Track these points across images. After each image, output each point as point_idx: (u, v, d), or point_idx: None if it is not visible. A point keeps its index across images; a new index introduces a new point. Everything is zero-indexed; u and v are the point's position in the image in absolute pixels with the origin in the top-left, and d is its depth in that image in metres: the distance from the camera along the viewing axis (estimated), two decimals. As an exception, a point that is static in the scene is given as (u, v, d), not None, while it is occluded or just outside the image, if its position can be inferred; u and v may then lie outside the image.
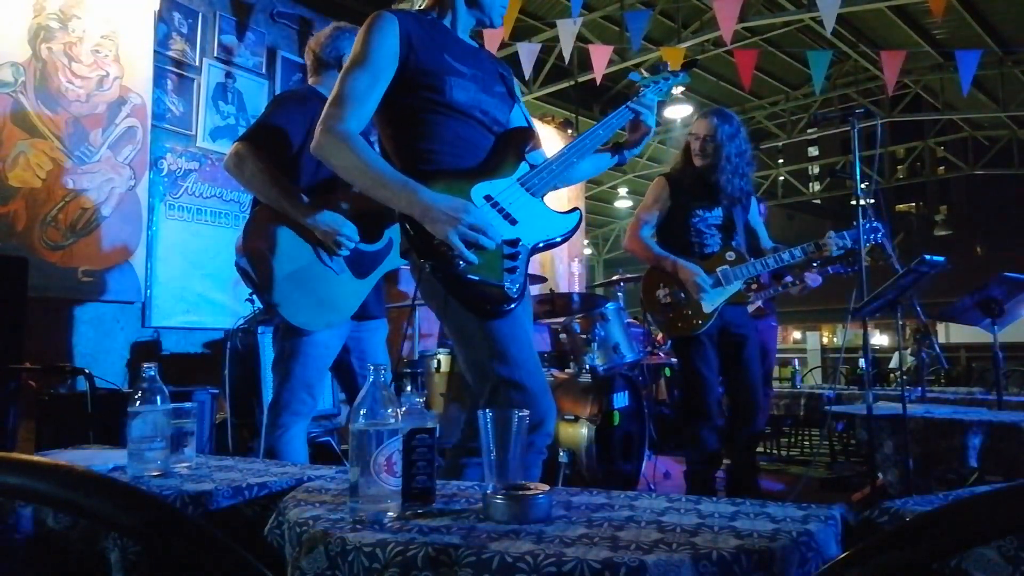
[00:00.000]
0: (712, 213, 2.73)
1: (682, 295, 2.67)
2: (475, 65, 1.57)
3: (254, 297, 2.02)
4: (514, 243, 1.45)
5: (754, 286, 2.87)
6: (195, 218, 3.90)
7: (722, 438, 2.68)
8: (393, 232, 2.03)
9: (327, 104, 1.45)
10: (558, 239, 1.55)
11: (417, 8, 1.66)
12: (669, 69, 1.86)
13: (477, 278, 1.39)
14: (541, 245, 1.51)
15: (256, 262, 1.88)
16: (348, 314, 1.98)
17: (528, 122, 1.73)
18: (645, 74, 1.82)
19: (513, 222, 1.48)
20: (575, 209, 1.61)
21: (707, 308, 2.63)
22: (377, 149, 1.59)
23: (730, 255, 2.69)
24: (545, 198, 1.57)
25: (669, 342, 3.90)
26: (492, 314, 1.41)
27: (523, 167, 1.56)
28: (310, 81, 2.15)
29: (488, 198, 1.47)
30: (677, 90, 6.84)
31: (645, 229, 2.77)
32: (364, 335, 2.13)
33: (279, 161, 1.91)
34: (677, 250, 2.71)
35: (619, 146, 1.80)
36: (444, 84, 1.49)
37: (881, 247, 2.75)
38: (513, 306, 1.42)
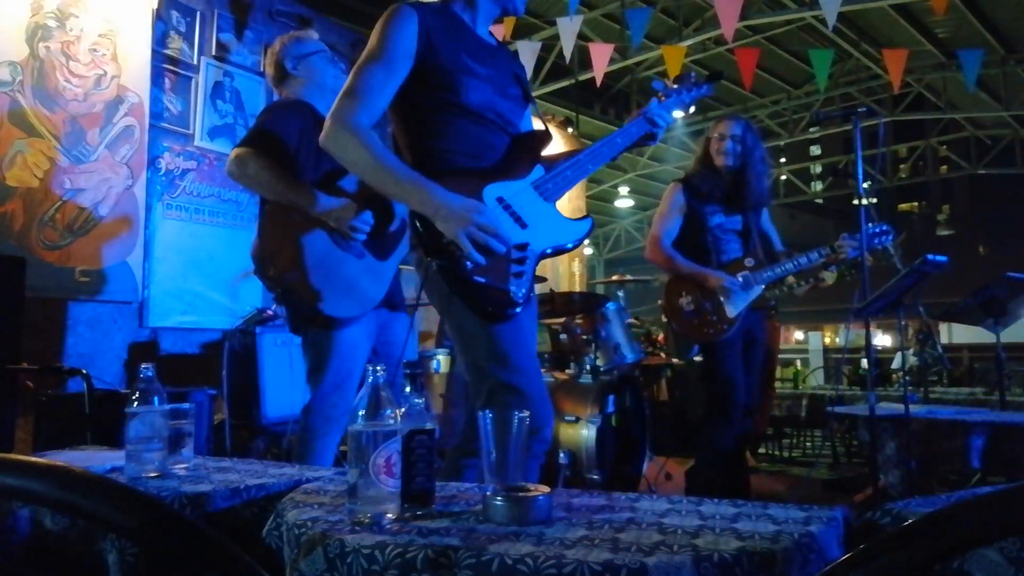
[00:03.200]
0: (731, 219, 2.74)
1: (706, 303, 2.67)
2: (492, 65, 1.55)
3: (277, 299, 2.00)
4: (523, 247, 1.44)
5: (777, 289, 2.87)
6: (193, 217, 3.89)
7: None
8: (403, 211, 2.01)
9: (339, 96, 1.43)
10: (568, 246, 1.53)
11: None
12: (694, 80, 1.80)
13: (483, 280, 1.37)
14: (550, 251, 1.50)
15: (275, 261, 1.86)
16: (377, 298, 1.97)
17: (544, 124, 1.72)
18: (670, 83, 1.77)
19: (524, 226, 1.46)
20: (587, 216, 1.60)
21: (731, 313, 2.64)
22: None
23: (749, 261, 2.70)
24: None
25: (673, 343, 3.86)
26: (496, 317, 1.40)
27: (537, 170, 1.54)
28: (283, 93, 2.15)
29: (500, 200, 1.45)
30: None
31: (666, 239, 2.76)
32: (390, 338, 2.12)
33: (279, 162, 1.91)
34: (695, 256, 2.72)
35: None
36: (459, 84, 1.47)
37: (884, 248, 2.75)
38: (518, 311, 1.41)
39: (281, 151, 1.93)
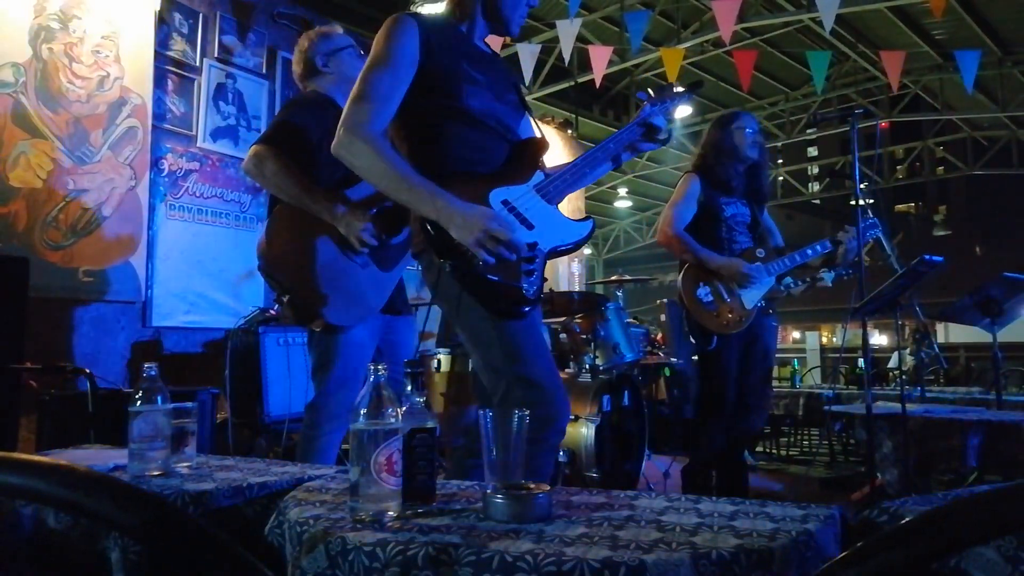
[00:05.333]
0: (741, 210, 2.77)
1: (724, 293, 2.66)
2: (489, 73, 1.58)
3: (282, 299, 2.02)
4: (532, 246, 1.47)
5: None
6: (196, 218, 3.90)
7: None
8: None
9: (348, 103, 1.45)
10: (572, 245, 1.57)
11: (435, 13, 1.67)
12: (674, 90, 1.84)
13: (496, 278, 1.41)
14: (555, 250, 1.54)
15: (281, 262, 1.88)
16: (377, 307, 1.99)
17: (540, 132, 1.74)
18: (652, 94, 1.82)
19: (530, 226, 1.50)
20: (588, 217, 1.64)
21: (748, 304, 2.65)
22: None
23: (760, 251, 2.71)
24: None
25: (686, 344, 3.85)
26: (509, 314, 1.43)
27: (538, 175, 1.58)
28: (308, 88, 2.16)
29: (506, 203, 1.49)
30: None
31: (679, 223, 2.74)
32: (394, 337, 2.14)
33: (296, 161, 1.92)
34: (706, 246, 2.71)
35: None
36: (460, 90, 1.50)
37: (880, 246, 2.76)
38: (530, 308, 1.44)
39: (300, 150, 1.93)
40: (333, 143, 1.43)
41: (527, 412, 1.00)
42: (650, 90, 1.80)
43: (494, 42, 5.05)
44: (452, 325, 1.60)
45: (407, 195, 1.40)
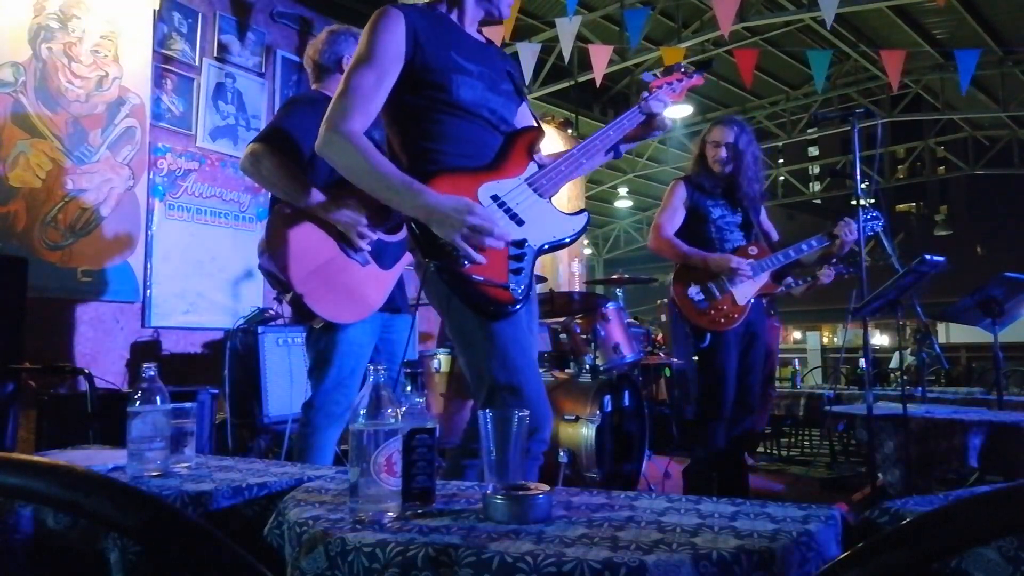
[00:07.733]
0: (732, 213, 2.78)
1: (716, 291, 2.68)
2: (482, 62, 1.54)
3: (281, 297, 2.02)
4: (520, 244, 1.44)
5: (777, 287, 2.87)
6: (195, 218, 3.90)
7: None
8: None
9: (332, 101, 1.44)
10: (566, 240, 1.53)
11: (423, 1, 1.62)
12: (683, 69, 1.79)
13: (482, 278, 1.38)
14: (547, 247, 1.50)
15: (281, 261, 1.87)
16: (377, 305, 1.99)
17: (536, 120, 1.71)
18: (659, 74, 1.78)
19: (520, 223, 1.46)
20: (583, 210, 1.60)
21: (741, 301, 2.66)
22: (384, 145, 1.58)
23: (753, 249, 2.72)
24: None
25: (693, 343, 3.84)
26: (496, 315, 1.40)
27: (531, 167, 1.54)
28: (313, 87, 2.16)
29: (495, 198, 1.45)
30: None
31: (668, 227, 2.78)
32: (392, 336, 2.14)
33: (294, 160, 1.92)
34: (697, 247, 2.73)
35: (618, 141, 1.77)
36: (451, 83, 1.46)
37: (881, 246, 2.76)
38: (518, 307, 1.41)
39: (297, 150, 1.93)
40: (316, 142, 1.42)
41: (526, 413, 0.99)
42: (657, 71, 1.77)
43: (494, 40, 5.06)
44: (443, 323, 1.58)
45: (387, 193, 1.38)
